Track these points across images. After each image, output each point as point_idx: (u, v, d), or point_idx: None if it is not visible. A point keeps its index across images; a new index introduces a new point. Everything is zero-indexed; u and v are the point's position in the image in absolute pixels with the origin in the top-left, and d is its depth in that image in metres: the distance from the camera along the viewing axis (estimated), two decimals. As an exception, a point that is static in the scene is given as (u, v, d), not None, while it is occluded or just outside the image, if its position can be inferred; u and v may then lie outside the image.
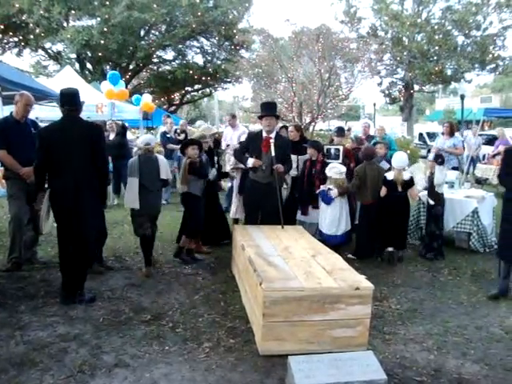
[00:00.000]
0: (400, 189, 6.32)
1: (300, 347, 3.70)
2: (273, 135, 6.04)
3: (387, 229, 6.33)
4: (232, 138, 9.07)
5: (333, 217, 6.38)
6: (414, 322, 4.50)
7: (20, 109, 5.48)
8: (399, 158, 6.42)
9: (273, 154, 5.86)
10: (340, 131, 7.91)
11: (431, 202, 6.56)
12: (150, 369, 3.56)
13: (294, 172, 6.96)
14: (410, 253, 6.76)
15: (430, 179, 6.61)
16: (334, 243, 6.26)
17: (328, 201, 6.39)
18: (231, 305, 4.79)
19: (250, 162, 6.07)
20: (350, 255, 6.43)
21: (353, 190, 6.53)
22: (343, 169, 6.45)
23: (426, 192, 6.86)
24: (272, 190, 5.95)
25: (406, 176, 6.33)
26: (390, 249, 6.39)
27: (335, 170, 6.37)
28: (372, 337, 4.05)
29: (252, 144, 6.21)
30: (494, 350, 3.97)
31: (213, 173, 6.20)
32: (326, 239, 6.25)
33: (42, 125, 6.25)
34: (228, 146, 8.88)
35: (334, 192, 6.31)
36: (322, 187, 6.45)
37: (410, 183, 6.36)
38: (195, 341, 4.00)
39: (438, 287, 5.50)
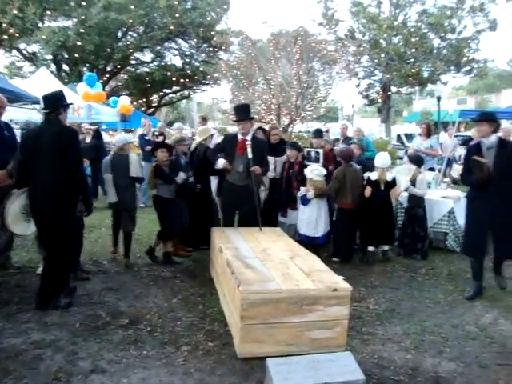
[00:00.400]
0: (382, 188, 6.43)
1: (278, 349, 3.69)
2: (249, 137, 6.04)
3: (370, 229, 6.39)
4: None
5: (311, 218, 6.39)
6: (391, 322, 4.53)
7: None
8: (382, 158, 6.57)
9: (250, 156, 5.87)
10: (318, 133, 7.94)
11: (417, 192, 6.64)
12: (127, 374, 3.51)
13: (271, 174, 6.97)
14: (388, 253, 6.81)
15: (411, 181, 6.73)
16: (313, 244, 6.28)
17: (305, 202, 6.41)
18: (210, 308, 4.77)
19: (220, 163, 6.12)
20: (334, 258, 6.48)
21: (331, 193, 6.56)
22: (324, 171, 6.47)
23: (405, 194, 6.95)
24: (249, 192, 5.96)
25: (389, 176, 6.42)
26: (371, 248, 6.49)
27: (316, 171, 6.38)
28: (350, 337, 4.07)
29: (228, 146, 6.23)
30: (470, 348, 4.03)
31: (180, 176, 6.16)
32: (304, 240, 6.25)
33: (16, 127, 6.14)
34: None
35: (310, 193, 6.32)
36: (303, 189, 6.45)
37: (392, 183, 6.47)
38: (173, 344, 3.97)
39: (416, 287, 5.56)
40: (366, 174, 6.55)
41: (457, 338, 4.20)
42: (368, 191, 6.40)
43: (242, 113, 6.16)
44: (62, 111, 4.76)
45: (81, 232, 5.56)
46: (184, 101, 39.54)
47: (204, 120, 9.66)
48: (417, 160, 6.95)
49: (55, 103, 4.73)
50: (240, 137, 6.08)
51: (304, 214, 6.44)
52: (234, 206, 6.21)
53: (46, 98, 4.78)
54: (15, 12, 20.92)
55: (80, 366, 3.60)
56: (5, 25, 21.89)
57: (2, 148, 5.22)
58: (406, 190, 6.87)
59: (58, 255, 4.62)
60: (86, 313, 4.59)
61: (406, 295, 5.29)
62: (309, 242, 6.24)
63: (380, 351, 3.94)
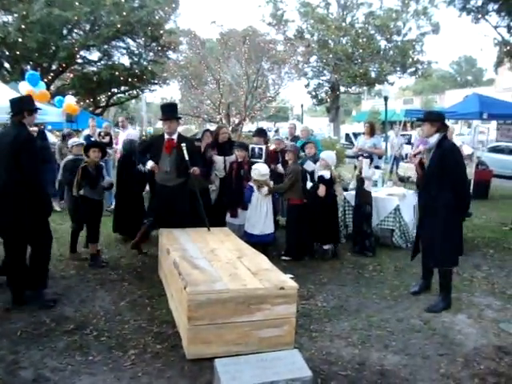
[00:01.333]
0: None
1: (227, 349, 3.68)
2: (175, 136, 6.02)
3: (321, 226, 6.49)
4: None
5: (261, 216, 6.41)
6: (339, 319, 4.61)
7: None
8: (332, 156, 6.74)
9: (186, 158, 5.84)
10: (259, 132, 7.98)
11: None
12: (72, 381, 3.43)
13: (221, 173, 6.95)
14: (338, 251, 6.91)
15: (359, 178, 6.85)
16: (263, 242, 6.32)
17: (249, 199, 6.44)
18: (158, 310, 4.71)
19: (149, 164, 6.06)
20: (284, 257, 6.53)
21: (281, 191, 6.62)
22: (265, 170, 6.47)
23: (353, 192, 7.09)
24: (181, 192, 5.97)
25: (334, 173, 6.57)
26: (327, 246, 6.65)
27: (256, 171, 6.39)
28: (299, 335, 4.11)
29: (153, 146, 6.19)
30: (414, 340, 4.15)
31: (107, 180, 6.08)
32: (254, 240, 6.24)
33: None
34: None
35: (265, 190, 6.33)
36: (251, 183, 6.46)
37: (333, 181, 6.63)
38: (121, 348, 3.90)
39: (363, 283, 5.68)
40: (320, 173, 6.59)
41: (402, 332, 4.32)
42: (322, 189, 6.45)
43: (169, 112, 6.10)
44: (27, 115, 4.72)
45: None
46: (133, 101, 38.88)
47: (126, 119, 9.63)
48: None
49: (19, 107, 4.75)
50: (166, 136, 6.03)
51: (254, 212, 6.44)
52: (166, 208, 6.07)
53: (12, 102, 4.85)
54: (-51, 4, 19.93)
55: (21, 377, 3.49)
56: None
57: None
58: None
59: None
60: (28, 319, 4.44)
61: (353, 292, 5.39)
62: (259, 241, 6.26)
63: (328, 347, 4.00)
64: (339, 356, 3.86)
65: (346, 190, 7.77)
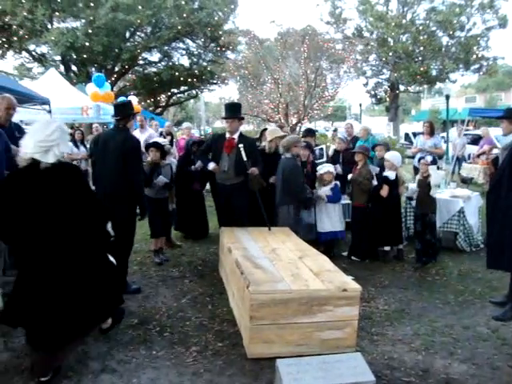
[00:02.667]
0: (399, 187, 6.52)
1: (288, 350, 3.68)
2: (236, 136, 6.05)
3: (383, 227, 6.39)
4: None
5: (335, 213, 6.51)
6: (401, 323, 4.50)
7: (1, 112, 5.39)
8: (397, 156, 6.61)
9: (244, 158, 5.87)
10: (308, 132, 7.92)
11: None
12: (137, 374, 3.52)
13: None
14: (403, 253, 6.75)
15: (421, 183, 6.44)
16: (336, 239, 6.54)
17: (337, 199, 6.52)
18: (219, 308, 4.76)
19: (211, 166, 6.13)
20: (353, 257, 6.53)
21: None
22: (332, 168, 6.56)
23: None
24: (238, 192, 6.01)
25: (393, 175, 6.40)
26: (388, 248, 6.54)
27: (325, 168, 6.46)
28: (360, 338, 4.05)
29: (214, 145, 6.24)
30: (481, 350, 3.98)
31: (160, 179, 6.18)
32: (323, 238, 6.42)
33: (26, 128, 6.16)
34: None
35: (326, 190, 6.36)
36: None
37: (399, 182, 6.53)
38: (183, 345, 3.98)
39: (426, 287, 5.52)
40: (385, 173, 6.47)
41: (468, 340, 4.16)
42: (385, 190, 6.32)
43: (230, 111, 6.15)
44: (123, 122, 5.02)
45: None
46: (192, 100, 39.60)
47: (145, 119, 9.69)
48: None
49: (125, 112, 5.02)
50: (227, 135, 6.09)
51: (330, 210, 6.50)
52: (226, 206, 6.18)
53: (117, 106, 5.17)
54: (25, 14, 21.05)
55: (90, 366, 3.62)
56: (15, 27, 22.03)
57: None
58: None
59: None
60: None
61: (415, 295, 5.25)
62: (333, 237, 6.48)
63: (390, 352, 3.91)
64: (402, 361, 3.77)
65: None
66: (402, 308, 4.87)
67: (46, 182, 3.23)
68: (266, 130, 7.71)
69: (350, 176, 6.69)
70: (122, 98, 15.14)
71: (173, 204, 6.61)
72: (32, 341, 3.37)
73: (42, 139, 3.25)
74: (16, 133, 5.51)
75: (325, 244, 6.48)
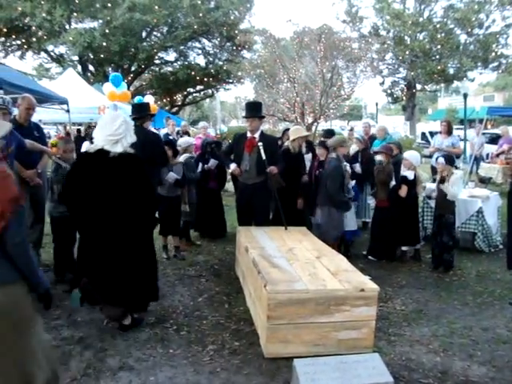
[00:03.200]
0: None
1: (305, 349, 3.68)
2: (257, 135, 6.03)
3: (401, 227, 6.34)
4: None
5: (352, 214, 6.53)
6: (419, 324, 4.47)
7: (22, 112, 5.47)
8: (416, 156, 6.54)
9: (263, 157, 5.85)
10: (328, 133, 7.86)
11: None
12: (154, 372, 3.55)
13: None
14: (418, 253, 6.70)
15: (439, 185, 6.26)
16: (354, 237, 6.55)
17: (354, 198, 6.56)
18: (235, 307, 4.77)
19: (232, 167, 6.15)
20: (370, 256, 6.52)
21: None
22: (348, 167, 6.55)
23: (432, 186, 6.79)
24: (260, 191, 6.00)
25: (411, 175, 6.32)
26: (405, 248, 6.52)
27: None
28: (377, 338, 4.03)
29: (236, 145, 6.24)
30: (501, 352, 3.93)
31: (170, 176, 6.18)
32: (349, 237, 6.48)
33: (45, 127, 6.25)
34: None
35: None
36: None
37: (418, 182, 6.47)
38: (199, 343, 3.99)
39: (443, 288, 5.47)
40: (403, 173, 6.42)
41: (487, 342, 4.11)
42: (404, 190, 6.24)
43: (251, 110, 6.14)
44: (141, 122, 5.52)
45: None
46: (207, 100, 39.73)
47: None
48: (449, 159, 6.73)
49: (143, 112, 5.62)
50: (248, 135, 6.08)
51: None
52: (246, 205, 6.18)
53: (134, 106, 5.83)
54: (44, 15, 21.33)
55: (108, 363, 3.65)
56: (34, 28, 22.34)
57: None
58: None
59: None
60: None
61: (433, 296, 5.21)
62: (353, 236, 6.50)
63: (408, 353, 3.89)
64: (420, 362, 3.74)
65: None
66: (419, 309, 4.84)
67: (112, 168, 3.77)
68: (288, 129, 7.70)
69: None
70: (138, 98, 15.28)
71: (185, 205, 6.57)
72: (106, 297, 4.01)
73: (110, 133, 3.75)
74: (35, 132, 5.60)
75: (341, 243, 6.45)
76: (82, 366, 3.58)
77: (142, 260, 4.03)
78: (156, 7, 22.35)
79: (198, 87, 30.45)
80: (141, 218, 3.91)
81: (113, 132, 3.73)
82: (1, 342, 2.26)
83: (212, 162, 7.16)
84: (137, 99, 15.07)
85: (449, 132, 8.91)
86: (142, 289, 4.07)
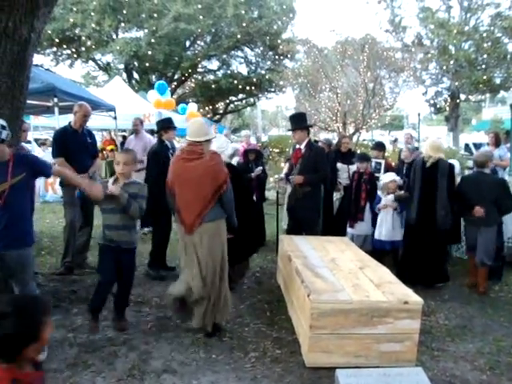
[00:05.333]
0: None
1: (347, 360, 3.68)
2: (302, 146, 6.09)
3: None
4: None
5: (388, 222, 6.37)
6: (463, 339, 4.38)
7: (78, 119, 5.70)
8: (456, 166, 6.49)
9: (298, 165, 5.99)
10: (378, 146, 7.82)
11: None
12: (197, 376, 3.61)
13: (346, 181, 7.14)
14: (458, 267, 6.58)
15: None
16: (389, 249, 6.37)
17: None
18: (277, 315, 4.80)
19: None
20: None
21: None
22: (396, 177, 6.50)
23: None
24: (303, 202, 6.04)
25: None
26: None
27: (387, 177, 6.44)
28: (420, 353, 3.97)
29: (290, 157, 6.53)
30: (552, 373, 3.82)
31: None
32: (378, 246, 6.36)
33: (94, 133, 6.48)
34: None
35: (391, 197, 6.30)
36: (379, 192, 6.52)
37: None
38: (241, 350, 4.03)
39: (489, 304, 5.33)
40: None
41: (536, 361, 4.00)
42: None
43: (293, 122, 6.24)
44: (163, 133, 6.14)
45: None
46: (248, 108, 40.03)
47: (141, 123, 9.17)
48: None
49: (158, 126, 6.28)
50: (297, 146, 6.21)
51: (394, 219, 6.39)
52: (292, 215, 6.37)
53: (156, 122, 6.72)
54: (93, 25, 22.08)
55: (153, 366, 3.74)
56: (83, 38, 23.14)
57: (84, 154, 5.56)
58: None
59: None
60: (157, 314, 4.75)
61: (478, 312, 5.09)
62: (384, 247, 6.35)
63: (452, 369, 3.82)
64: (465, 380, 3.66)
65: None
66: (463, 324, 4.74)
67: None
68: (344, 137, 7.85)
69: None
70: (182, 106, 15.59)
71: None
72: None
73: (218, 146, 4.82)
74: (88, 138, 5.83)
75: (383, 253, 6.38)
76: (127, 367, 3.68)
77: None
78: (200, 17, 22.75)
79: (240, 96, 30.72)
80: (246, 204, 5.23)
81: (219, 145, 4.84)
82: (216, 248, 4.16)
83: (258, 170, 7.26)
84: (181, 107, 15.41)
85: (496, 144, 8.71)
86: None
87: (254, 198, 6.90)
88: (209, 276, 4.15)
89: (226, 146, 5.21)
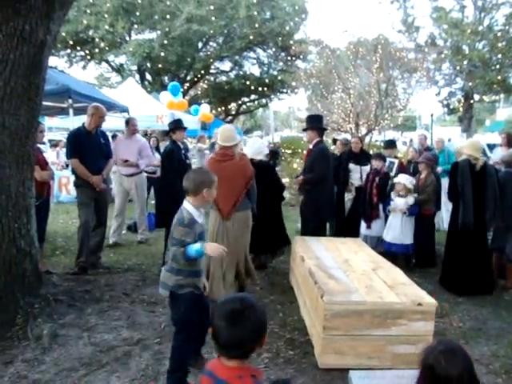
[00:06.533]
0: None
1: (360, 362, 3.66)
2: (311, 146, 6.28)
3: None
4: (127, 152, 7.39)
5: (398, 225, 6.37)
6: (478, 342, 4.34)
7: (94, 120, 5.75)
8: None
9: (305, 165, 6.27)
10: (390, 144, 7.82)
11: None
12: (210, 376, 3.61)
13: (358, 182, 7.12)
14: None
15: None
16: (400, 252, 6.37)
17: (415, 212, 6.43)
18: (289, 316, 4.79)
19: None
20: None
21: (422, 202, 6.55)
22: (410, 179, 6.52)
23: None
24: (305, 200, 6.39)
25: None
26: None
27: (401, 178, 6.44)
28: (434, 355, 3.94)
29: None
30: None
31: None
32: (387, 247, 6.34)
33: (107, 134, 6.54)
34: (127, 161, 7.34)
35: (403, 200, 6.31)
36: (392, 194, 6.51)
37: None
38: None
39: (503, 306, 5.29)
40: None
41: (554, 366, 3.94)
42: None
43: (307, 122, 6.47)
44: (171, 134, 6.32)
45: None
46: (260, 109, 40.09)
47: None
48: None
49: (169, 127, 6.48)
50: (309, 146, 6.37)
51: (394, 221, 6.42)
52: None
53: (168, 123, 6.92)
54: (107, 27, 22.27)
55: (166, 365, 3.72)
56: (97, 39, 23.35)
57: (98, 155, 5.61)
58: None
59: None
60: (169, 314, 4.76)
61: (492, 314, 5.04)
62: (394, 250, 6.34)
63: (466, 371, 3.78)
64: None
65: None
66: (478, 327, 4.70)
67: (256, 169, 5.34)
68: (354, 137, 7.93)
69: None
70: (195, 107, 15.64)
71: None
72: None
73: (255, 148, 5.95)
74: (101, 139, 5.88)
75: (395, 255, 6.36)
76: (141, 367, 3.70)
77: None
78: (213, 18, 22.83)
79: (252, 96, 30.79)
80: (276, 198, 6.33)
81: (256, 148, 5.94)
82: (244, 232, 5.13)
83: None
84: (193, 108, 15.46)
85: (509, 144, 8.62)
86: None
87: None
88: (238, 252, 5.11)
89: (263, 147, 6.23)
